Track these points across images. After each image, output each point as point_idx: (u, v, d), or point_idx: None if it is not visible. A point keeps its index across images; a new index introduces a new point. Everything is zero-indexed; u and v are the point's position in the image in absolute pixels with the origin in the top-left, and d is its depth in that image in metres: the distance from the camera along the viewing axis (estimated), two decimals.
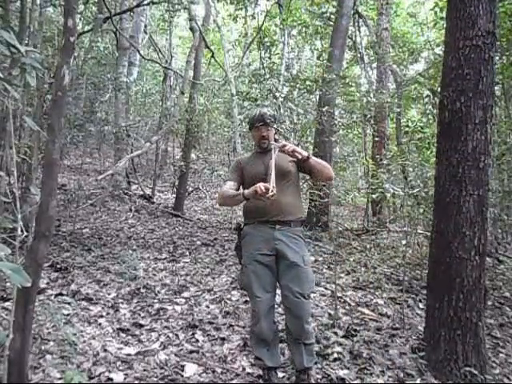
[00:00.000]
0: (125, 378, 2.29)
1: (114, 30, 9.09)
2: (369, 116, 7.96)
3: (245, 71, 11.99)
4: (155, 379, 2.30)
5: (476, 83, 2.44)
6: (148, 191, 9.58)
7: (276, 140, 2.52)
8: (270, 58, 9.09)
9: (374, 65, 11.32)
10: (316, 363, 2.45)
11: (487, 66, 2.46)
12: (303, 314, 2.17)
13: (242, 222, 2.44)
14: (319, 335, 2.88)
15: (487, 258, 4.03)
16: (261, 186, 2.11)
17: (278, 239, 2.23)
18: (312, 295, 3.72)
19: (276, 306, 2.88)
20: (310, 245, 5.75)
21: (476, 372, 2.31)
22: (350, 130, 8.38)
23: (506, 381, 2.48)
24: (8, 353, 1.63)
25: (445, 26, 2.74)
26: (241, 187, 2.46)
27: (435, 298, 2.53)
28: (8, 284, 3.32)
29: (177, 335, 2.89)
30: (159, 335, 2.88)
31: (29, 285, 1.39)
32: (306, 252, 2.29)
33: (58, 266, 4.19)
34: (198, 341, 2.82)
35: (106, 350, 2.58)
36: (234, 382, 2.34)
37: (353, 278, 4.38)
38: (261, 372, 2.32)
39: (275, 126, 2.50)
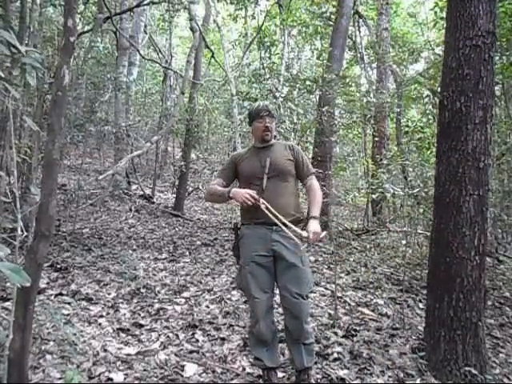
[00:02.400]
0: (125, 378, 2.29)
1: (114, 30, 9.10)
2: (369, 116, 7.96)
3: (245, 71, 11.99)
4: (155, 379, 2.30)
5: (476, 83, 2.44)
6: (148, 191, 9.58)
7: (275, 137, 2.48)
8: (269, 57, 9.10)
9: (374, 65, 11.33)
10: (316, 363, 2.45)
11: (487, 66, 2.46)
12: (302, 315, 2.16)
13: (239, 221, 2.41)
14: (319, 335, 2.88)
15: (487, 258, 4.03)
16: (248, 196, 2.13)
17: (276, 240, 2.19)
18: (312, 295, 3.72)
19: (276, 306, 2.89)
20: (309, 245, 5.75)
21: (476, 372, 2.31)
22: (350, 130, 8.39)
23: (506, 381, 2.48)
24: (8, 353, 1.63)
25: (445, 26, 2.74)
26: (237, 182, 2.44)
27: (435, 298, 2.53)
28: (8, 284, 3.32)
29: (177, 335, 2.89)
30: (159, 335, 2.88)
31: (28, 285, 1.39)
32: (303, 252, 2.27)
33: (58, 266, 4.19)
34: (198, 341, 2.82)
35: (106, 350, 2.58)
36: (234, 382, 2.34)
37: (353, 278, 4.38)
38: (261, 372, 2.31)
39: (275, 121, 2.47)
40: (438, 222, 2.58)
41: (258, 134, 2.36)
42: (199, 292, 3.82)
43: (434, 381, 2.37)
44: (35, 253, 1.84)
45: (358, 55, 11.40)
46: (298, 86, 6.52)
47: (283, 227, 2.12)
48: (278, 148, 2.38)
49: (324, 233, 2.18)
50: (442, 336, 2.44)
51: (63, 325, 2.69)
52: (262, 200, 2.16)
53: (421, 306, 3.63)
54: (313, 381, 2.25)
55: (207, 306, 3.46)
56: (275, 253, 2.20)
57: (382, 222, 7.62)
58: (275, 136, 2.46)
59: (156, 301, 3.53)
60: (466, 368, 2.33)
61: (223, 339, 2.84)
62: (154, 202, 9.06)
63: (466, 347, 2.37)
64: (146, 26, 11.22)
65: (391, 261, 5.24)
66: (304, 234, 2.10)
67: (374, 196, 5.30)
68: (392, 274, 4.62)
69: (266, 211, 2.14)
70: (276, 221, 2.13)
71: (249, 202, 2.13)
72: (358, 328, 3.06)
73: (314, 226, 2.14)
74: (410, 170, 5.50)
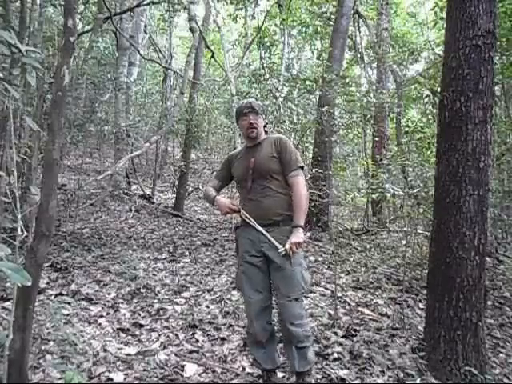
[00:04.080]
0: (125, 378, 2.29)
1: (114, 30, 9.09)
2: (369, 116, 7.94)
3: (245, 71, 11.99)
4: (155, 379, 2.30)
5: (476, 83, 2.44)
6: (148, 191, 9.58)
7: (266, 132, 2.41)
8: (270, 57, 9.10)
9: (374, 65, 11.32)
10: (316, 363, 2.45)
11: (487, 66, 2.46)
12: (288, 316, 2.13)
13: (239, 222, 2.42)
14: (319, 335, 2.88)
15: (487, 258, 4.03)
16: (227, 210, 2.24)
17: (264, 242, 2.18)
18: (312, 295, 3.72)
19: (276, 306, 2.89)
20: (309, 245, 5.75)
21: (476, 372, 2.31)
22: (350, 130, 8.38)
23: (506, 381, 2.48)
24: (8, 353, 1.63)
25: (445, 26, 2.74)
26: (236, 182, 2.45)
27: (435, 298, 2.53)
28: (8, 284, 3.32)
29: (177, 335, 2.89)
30: (159, 335, 2.88)
31: (29, 284, 1.39)
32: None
33: (58, 266, 4.19)
34: (197, 341, 2.82)
35: (105, 350, 2.58)
36: (234, 382, 2.34)
37: (353, 278, 4.38)
38: (261, 372, 2.32)
39: (264, 116, 2.40)
40: (437, 222, 2.58)
41: (244, 132, 2.34)
42: (199, 292, 3.82)
43: (433, 381, 2.37)
44: (35, 253, 1.84)
45: (358, 55, 11.39)
46: (297, 86, 6.52)
47: (264, 235, 2.17)
48: (265, 146, 2.30)
49: (307, 234, 2.19)
50: (442, 336, 2.44)
51: (63, 325, 2.70)
52: (242, 211, 2.24)
53: (421, 306, 3.63)
54: (313, 381, 2.25)
55: (207, 306, 3.46)
56: (265, 254, 2.20)
57: (382, 222, 7.62)
58: (267, 132, 2.43)
59: (156, 301, 3.53)
60: (466, 368, 2.33)
61: (223, 339, 2.84)
62: (153, 202, 9.06)
63: (466, 347, 2.37)
64: (146, 26, 11.22)
65: (391, 261, 5.24)
66: (280, 248, 2.09)
67: (373, 196, 5.29)
68: (392, 274, 4.62)
69: (247, 220, 2.21)
70: (256, 228, 2.19)
71: (228, 215, 2.22)
72: (357, 328, 3.06)
73: (295, 236, 2.10)
74: (410, 170, 5.49)
